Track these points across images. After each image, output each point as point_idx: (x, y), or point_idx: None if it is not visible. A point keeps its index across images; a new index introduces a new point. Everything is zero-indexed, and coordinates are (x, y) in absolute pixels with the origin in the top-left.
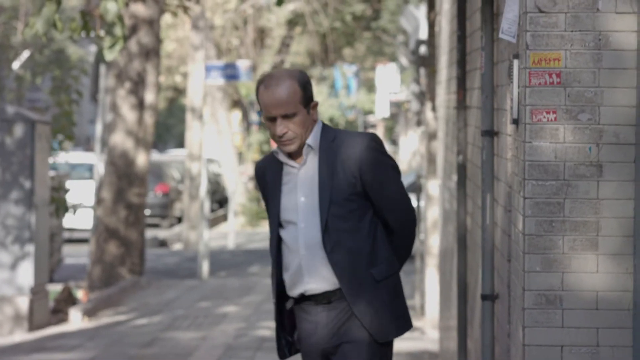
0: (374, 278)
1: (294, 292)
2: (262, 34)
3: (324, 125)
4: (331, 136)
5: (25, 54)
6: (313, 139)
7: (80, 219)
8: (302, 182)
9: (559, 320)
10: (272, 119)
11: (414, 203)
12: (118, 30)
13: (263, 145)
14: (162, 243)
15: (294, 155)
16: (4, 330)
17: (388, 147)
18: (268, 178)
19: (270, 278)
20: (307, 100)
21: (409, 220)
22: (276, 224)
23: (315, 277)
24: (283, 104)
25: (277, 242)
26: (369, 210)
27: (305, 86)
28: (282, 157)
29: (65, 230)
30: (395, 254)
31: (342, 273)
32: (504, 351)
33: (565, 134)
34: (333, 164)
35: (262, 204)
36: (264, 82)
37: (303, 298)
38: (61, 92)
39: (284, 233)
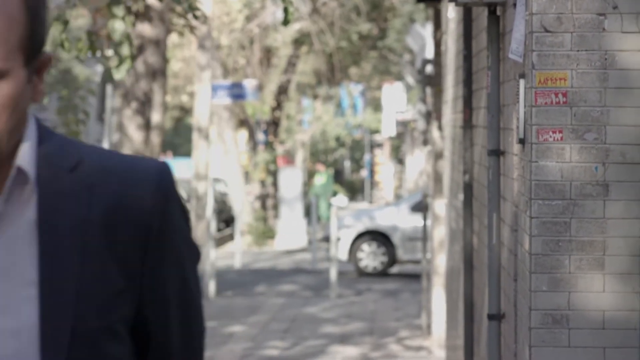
0: None
1: None
2: (268, 54)
3: (41, 129)
4: (70, 157)
5: None
6: (26, 156)
7: None
8: None
9: (566, 339)
10: None
11: (421, 222)
12: (126, 50)
13: (270, 165)
14: None
15: None
16: None
17: (394, 167)
18: None
19: None
20: (34, 48)
21: None
22: None
23: None
24: None
25: None
26: None
27: (37, 12)
28: None
29: None
30: None
31: None
32: None
33: (572, 154)
34: (79, 232)
35: (271, 221)
36: None
37: None
38: (68, 112)
39: None
